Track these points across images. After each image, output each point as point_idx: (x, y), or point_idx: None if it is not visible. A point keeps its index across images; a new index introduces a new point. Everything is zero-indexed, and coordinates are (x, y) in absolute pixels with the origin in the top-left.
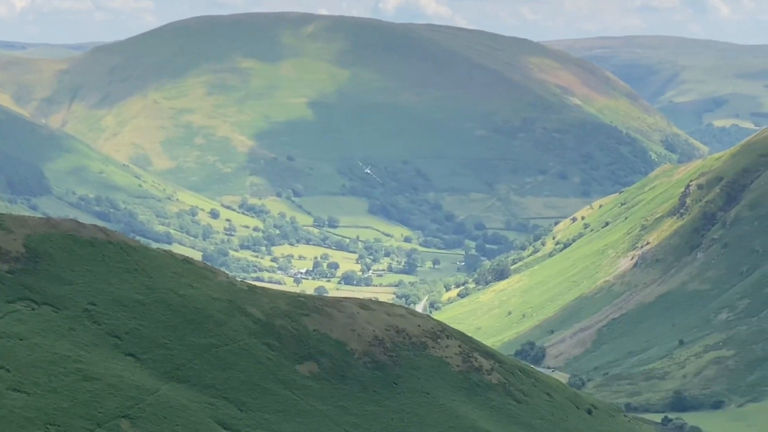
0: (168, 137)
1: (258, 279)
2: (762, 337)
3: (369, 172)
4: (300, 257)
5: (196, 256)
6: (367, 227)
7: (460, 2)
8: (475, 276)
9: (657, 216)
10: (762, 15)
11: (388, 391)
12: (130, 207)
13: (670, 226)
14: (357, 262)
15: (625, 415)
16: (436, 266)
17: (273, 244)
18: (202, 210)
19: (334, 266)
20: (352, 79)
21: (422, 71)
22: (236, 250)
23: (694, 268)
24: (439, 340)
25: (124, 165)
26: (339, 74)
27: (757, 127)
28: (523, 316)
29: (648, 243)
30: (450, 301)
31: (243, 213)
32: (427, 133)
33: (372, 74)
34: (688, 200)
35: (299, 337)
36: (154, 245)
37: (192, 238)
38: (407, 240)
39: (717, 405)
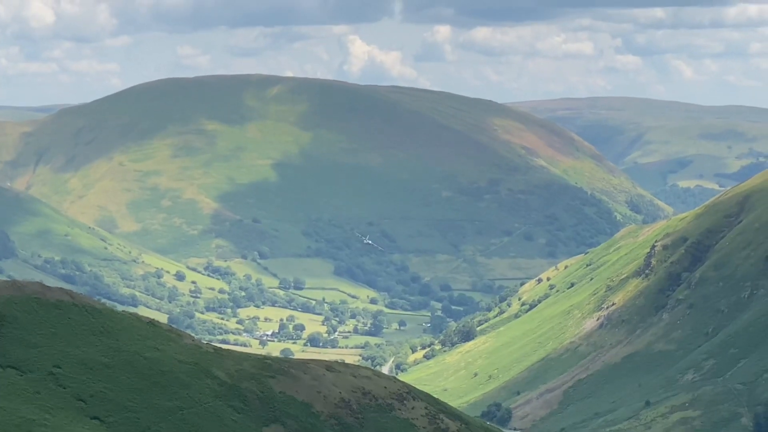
0: (134, 200)
1: (224, 341)
2: (728, 397)
3: (371, 242)
4: (266, 319)
5: (162, 318)
6: (332, 289)
7: (424, 64)
8: (441, 337)
9: (622, 277)
10: (725, 76)
11: None
12: (96, 269)
13: (635, 286)
14: (323, 324)
15: None
16: (402, 328)
17: (239, 306)
18: (168, 272)
19: (300, 328)
20: (317, 141)
21: (387, 133)
22: (202, 313)
23: (659, 329)
24: (405, 401)
25: (89, 228)
26: (304, 136)
27: (721, 188)
28: (490, 377)
29: (613, 304)
30: (416, 362)
31: (209, 275)
32: (392, 194)
33: (337, 136)
34: (653, 261)
35: (265, 400)
36: (120, 308)
37: (158, 301)
38: (373, 302)
39: None
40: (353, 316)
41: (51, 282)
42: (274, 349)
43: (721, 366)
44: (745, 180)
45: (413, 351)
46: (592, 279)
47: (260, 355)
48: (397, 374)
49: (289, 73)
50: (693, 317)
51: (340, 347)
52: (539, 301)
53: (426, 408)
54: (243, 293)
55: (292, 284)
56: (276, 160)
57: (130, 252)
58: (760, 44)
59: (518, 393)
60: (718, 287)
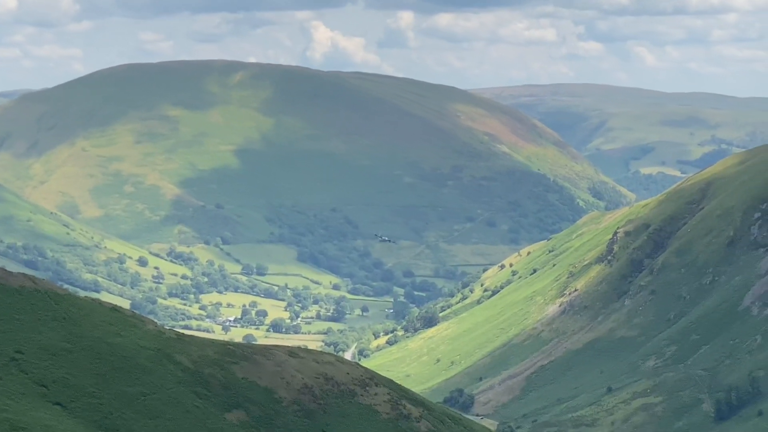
0: (96, 185)
1: (186, 327)
2: (689, 383)
3: (387, 239)
4: (228, 305)
5: (125, 304)
6: (295, 275)
7: (387, 50)
8: (404, 323)
9: (585, 263)
10: (687, 63)
11: None
12: (58, 255)
13: (597, 273)
14: (286, 310)
15: None
16: (364, 313)
17: (201, 292)
18: (131, 258)
19: (263, 314)
20: (280, 127)
21: (350, 119)
22: (164, 298)
23: (621, 315)
24: (367, 387)
25: (52, 213)
26: (266, 122)
27: (683, 175)
28: (452, 363)
29: (576, 290)
30: (379, 348)
31: (171, 261)
32: (355, 180)
33: (300, 122)
34: (615, 247)
35: (228, 385)
36: (82, 293)
37: (120, 286)
38: (336, 287)
39: None
40: (316, 302)
41: (13, 267)
42: (237, 334)
43: (682, 352)
44: (708, 167)
45: (376, 337)
46: (554, 265)
47: (223, 341)
48: (359, 360)
49: (252, 59)
50: (655, 303)
51: (302, 333)
52: (502, 287)
53: (388, 394)
54: (206, 279)
55: (255, 270)
56: (239, 146)
57: (92, 237)
58: (722, 31)
59: (480, 379)
60: (680, 274)
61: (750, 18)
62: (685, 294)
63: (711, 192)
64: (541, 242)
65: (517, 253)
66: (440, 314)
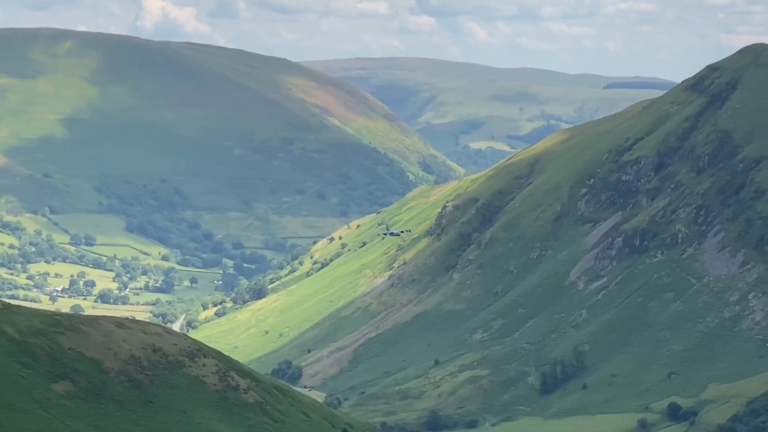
0: None
1: (13, 297)
2: (515, 357)
3: (398, 232)
4: (56, 275)
5: None
6: (124, 245)
7: (219, 21)
8: (233, 295)
9: (413, 236)
10: (518, 39)
11: (145, 410)
12: None
13: (426, 246)
14: (114, 281)
15: None
16: (193, 285)
17: (29, 262)
18: None
19: (91, 284)
20: (109, 96)
21: (181, 89)
22: None
23: (449, 288)
24: (195, 359)
25: None
26: (94, 91)
27: (512, 150)
28: (281, 335)
29: (405, 263)
30: (207, 320)
31: None
32: (185, 151)
33: (129, 91)
34: (444, 221)
35: (54, 356)
36: None
37: None
38: (165, 258)
39: (471, 424)
40: (144, 273)
41: None
42: (65, 305)
43: (509, 326)
44: (536, 142)
45: (204, 308)
46: (383, 238)
47: (50, 311)
48: (188, 331)
49: (82, 28)
50: (483, 277)
51: (131, 304)
52: (331, 260)
53: (216, 365)
54: (33, 249)
55: (83, 240)
56: (66, 115)
57: None
58: (552, 8)
59: (309, 351)
60: (508, 248)
61: None
62: (512, 268)
63: (539, 167)
64: (371, 215)
65: (346, 226)
66: (269, 286)
